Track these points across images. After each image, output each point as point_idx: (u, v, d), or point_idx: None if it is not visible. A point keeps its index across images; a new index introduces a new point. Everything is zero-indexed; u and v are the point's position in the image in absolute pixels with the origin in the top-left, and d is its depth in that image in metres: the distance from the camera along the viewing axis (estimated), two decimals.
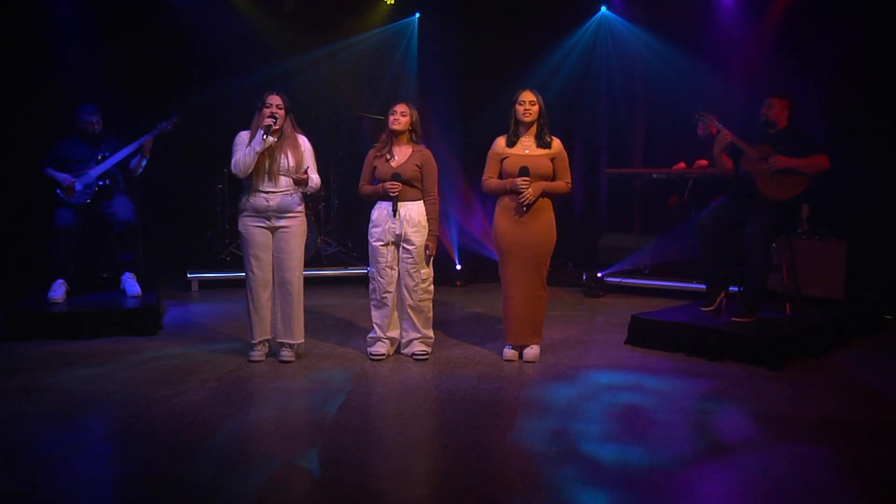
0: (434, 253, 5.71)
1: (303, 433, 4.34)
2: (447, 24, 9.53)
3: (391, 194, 5.54)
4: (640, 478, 3.74)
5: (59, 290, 6.64)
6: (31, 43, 7.71)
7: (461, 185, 9.41)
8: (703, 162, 7.81)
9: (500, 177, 5.61)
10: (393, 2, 9.51)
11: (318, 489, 3.67)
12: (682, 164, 8.18)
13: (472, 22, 9.37)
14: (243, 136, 5.49)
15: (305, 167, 5.47)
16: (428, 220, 5.67)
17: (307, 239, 8.58)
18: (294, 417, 4.65)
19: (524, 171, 5.43)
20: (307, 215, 8.58)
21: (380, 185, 5.61)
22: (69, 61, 7.83)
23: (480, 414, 4.60)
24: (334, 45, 9.41)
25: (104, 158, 6.81)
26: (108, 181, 6.86)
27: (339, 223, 9.24)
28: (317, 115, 9.67)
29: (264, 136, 5.32)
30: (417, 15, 9.68)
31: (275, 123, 5.37)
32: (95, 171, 6.77)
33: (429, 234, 5.67)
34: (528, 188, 5.43)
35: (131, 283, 6.94)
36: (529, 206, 5.48)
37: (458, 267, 8.86)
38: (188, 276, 8.41)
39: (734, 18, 8.40)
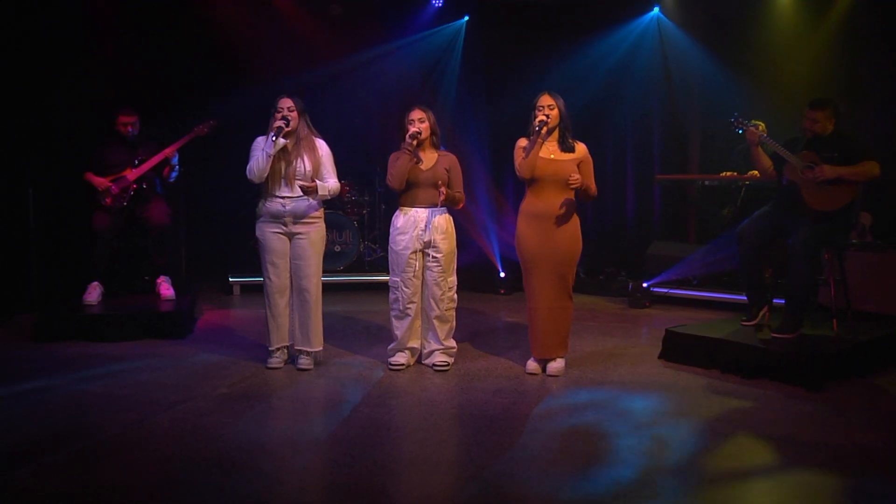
0: (446, 194, 5.43)
1: (296, 446, 4.20)
2: (492, 26, 9.35)
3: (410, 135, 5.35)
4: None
5: (94, 293, 6.73)
6: (72, 48, 7.85)
7: (509, 202, 9.22)
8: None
9: (526, 187, 5.39)
10: (441, 4, 9.39)
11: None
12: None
13: (518, 22, 9.16)
14: (259, 141, 5.42)
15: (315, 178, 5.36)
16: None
17: (349, 245, 8.65)
18: (292, 428, 4.52)
19: (542, 124, 5.21)
20: (351, 221, 8.66)
21: (406, 150, 5.37)
22: (110, 66, 7.94)
23: (487, 430, 4.39)
24: (383, 46, 9.37)
25: (141, 162, 6.88)
26: (144, 185, 6.92)
27: (384, 229, 9.14)
28: (366, 116, 9.66)
29: (274, 139, 5.23)
30: (466, 18, 9.53)
31: (286, 126, 5.28)
32: (132, 175, 6.84)
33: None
34: (546, 120, 5.21)
35: (166, 287, 6.99)
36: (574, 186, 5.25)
37: (502, 275, 8.67)
38: (230, 279, 8.44)
39: (793, 20, 8.01)
